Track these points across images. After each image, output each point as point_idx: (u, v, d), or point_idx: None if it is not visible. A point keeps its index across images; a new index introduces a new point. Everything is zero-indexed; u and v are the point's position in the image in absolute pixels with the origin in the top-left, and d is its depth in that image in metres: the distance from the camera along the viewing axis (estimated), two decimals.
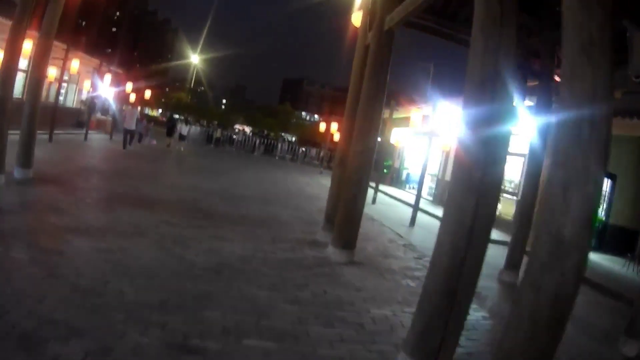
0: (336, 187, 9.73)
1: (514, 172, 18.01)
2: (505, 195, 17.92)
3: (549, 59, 9.80)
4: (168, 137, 28.00)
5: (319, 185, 22.80)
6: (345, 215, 8.46)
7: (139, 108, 31.12)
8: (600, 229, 16.49)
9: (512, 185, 18.06)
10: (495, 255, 12.41)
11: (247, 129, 67.32)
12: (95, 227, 7.38)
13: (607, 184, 16.56)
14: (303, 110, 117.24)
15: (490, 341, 5.76)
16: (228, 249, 7.65)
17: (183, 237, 7.83)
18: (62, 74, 20.17)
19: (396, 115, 25.94)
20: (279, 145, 41.79)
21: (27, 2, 9.27)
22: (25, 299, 4.37)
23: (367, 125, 8.36)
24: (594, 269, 12.57)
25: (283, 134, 71.17)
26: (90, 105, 26.11)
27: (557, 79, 10.29)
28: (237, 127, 69.43)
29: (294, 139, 63.30)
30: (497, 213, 18.04)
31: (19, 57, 9.57)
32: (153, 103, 66.39)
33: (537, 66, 10.40)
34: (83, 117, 25.57)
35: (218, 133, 41.95)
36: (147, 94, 31.54)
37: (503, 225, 16.80)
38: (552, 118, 10.71)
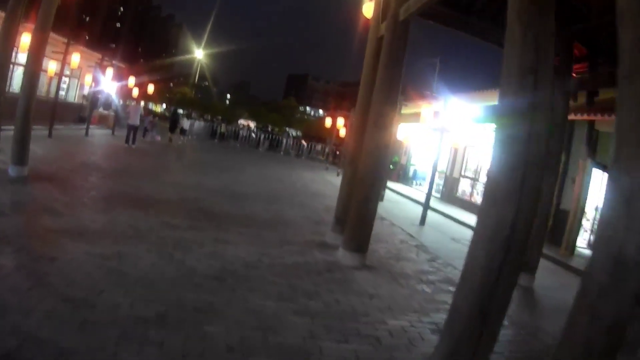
0: (347, 186, 9.25)
1: None
2: None
3: (566, 56, 9.31)
4: (170, 132, 27.69)
5: (325, 182, 22.38)
6: (358, 217, 7.97)
7: (142, 103, 30.78)
8: None
9: None
10: None
11: (252, 124, 67.00)
12: (91, 229, 6.91)
13: None
14: (307, 106, 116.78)
15: (513, 353, 5.33)
16: (232, 253, 7.17)
17: (184, 240, 7.35)
18: (62, 69, 19.65)
19: (404, 110, 25.48)
20: (284, 140, 41.36)
21: None
22: (8, 314, 3.93)
23: (381, 121, 7.87)
24: None
25: (287, 129, 70.88)
26: (92, 100, 25.70)
27: (574, 75, 9.91)
28: (242, 122, 69.07)
29: (298, 133, 63.06)
30: None
31: (11, 50, 9.16)
32: (157, 98, 66.14)
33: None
34: (85, 112, 25.13)
35: (223, 128, 41.74)
36: (151, 88, 31.00)
37: None
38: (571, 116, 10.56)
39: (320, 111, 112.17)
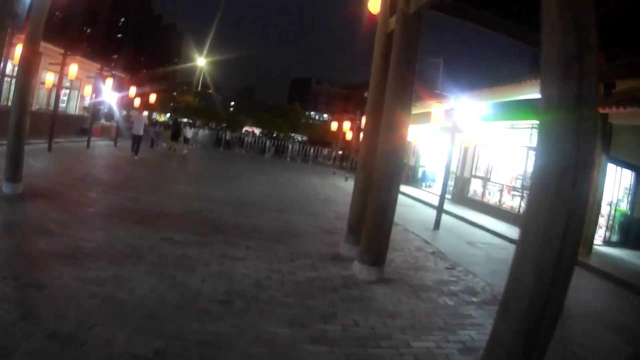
0: (360, 193, 8.69)
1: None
2: (528, 191, 16.96)
3: None
4: (173, 141, 27.43)
5: (334, 187, 21.84)
6: (374, 227, 7.37)
7: (145, 113, 30.49)
8: (625, 223, 15.63)
9: None
10: None
11: (257, 131, 66.79)
12: (86, 250, 6.35)
13: (631, 177, 15.74)
14: (312, 110, 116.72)
15: None
16: (240, 271, 6.61)
17: (187, 258, 6.79)
18: (60, 80, 19.21)
19: (412, 110, 24.99)
20: (290, 146, 40.98)
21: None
22: None
23: (395, 122, 7.29)
24: (619, 265, 11.89)
25: (293, 134, 70.59)
26: (94, 111, 25.28)
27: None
28: (247, 128, 68.82)
29: (304, 138, 62.83)
30: (521, 210, 17.23)
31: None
32: (160, 107, 65.91)
33: None
34: (87, 123, 24.73)
35: (228, 135, 41.60)
36: (153, 98, 30.62)
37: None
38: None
39: (325, 115, 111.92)
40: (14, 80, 17.71)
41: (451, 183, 22.88)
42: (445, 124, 17.43)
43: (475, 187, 21.51)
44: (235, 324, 4.81)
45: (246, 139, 42.13)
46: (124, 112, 31.02)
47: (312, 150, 40.34)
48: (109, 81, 23.47)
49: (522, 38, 9.23)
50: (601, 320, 7.27)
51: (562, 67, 3.36)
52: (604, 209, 14.18)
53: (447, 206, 18.07)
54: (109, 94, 24.38)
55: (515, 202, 18.01)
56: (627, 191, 15.96)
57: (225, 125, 63.27)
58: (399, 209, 15.57)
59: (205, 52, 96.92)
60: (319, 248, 8.84)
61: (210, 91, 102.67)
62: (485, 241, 13.01)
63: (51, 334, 3.93)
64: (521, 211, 16.97)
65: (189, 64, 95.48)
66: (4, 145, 9.33)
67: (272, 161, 34.13)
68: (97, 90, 24.74)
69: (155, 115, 61.75)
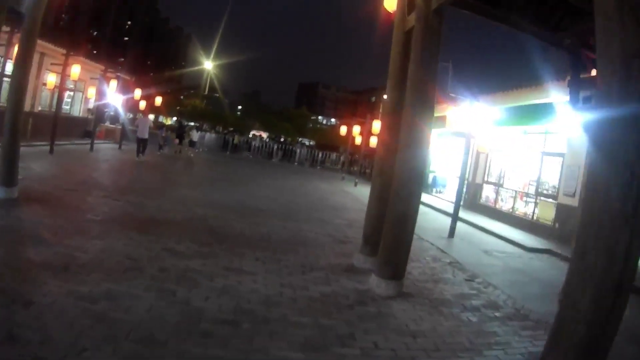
0: (376, 201, 8.15)
1: (551, 173, 16.66)
2: (542, 198, 16.68)
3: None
4: (178, 144, 27.26)
5: (343, 193, 21.33)
6: (393, 239, 6.82)
7: (151, 116, 30.29)
8: None
9: (552, 187, 16.43)
10: (542, 268, 11.02)
11: (264, 135, 66.56)
12: (80, 261, 5.85)
13: None
14: (319, 115, 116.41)
15: None
16: (247, 286, 6.07)
17: (190, 271, 6.25)
18: (62, 81, 18.78)
19: None
20: (298, 150, 40.65)
21: None
22: None
23: (417, 126, 6.75)
24: None
25: (300, 139, 70.36)
26: (98, 113, 24.92)
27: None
28: (254, 132, 68.63)
29: (311, 143, 62.70)
30: (535, 217, 16.78)
31: None
32: (166, 111, 65.68)
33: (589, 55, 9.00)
34: (91, 126, 24.39)
35: (235, 139, 41.50)
36: (158, 101, 30.30)
37: (540, 230, 15.67)
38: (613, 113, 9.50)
39: (332, 120, 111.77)
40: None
41: (463, 189, 22.39)
42: (458, 128, 16.95)
43: (487, 193, 21.00)
44: (242, 348, 4.29)
45: (253, 143, 42.05)
46: (130, 115, 30.71)
47: (320, 154, 40.03)
48: (113, 83, 23.14)
49: (544, 38, 8.82)
50: None
51: (621, 64, 2.87)
52: None
53: (459, 212, 17.58)
54: (113, 96, 24.06)
55: (528, 209, 17.48)
56: None
57: (232, 129, 62.94)
58: None
59: (212, 55, 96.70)
60: (331, 259, 8.32)
61: (217, 95, 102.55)
62: (501, 249, 12.52)
63: None
64: (535, 218, 16.52)
65: (196, 68, 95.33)
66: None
67: (280, 165, 33.77)
68: (101, 92, 24.41)
69: (161, 119, 61.66)
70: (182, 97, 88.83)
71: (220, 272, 6.46)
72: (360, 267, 7.78)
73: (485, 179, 21.26)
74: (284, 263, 7.49)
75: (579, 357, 2.83)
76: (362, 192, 21.39)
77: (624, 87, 2.87)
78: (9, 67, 13.82)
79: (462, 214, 17.70)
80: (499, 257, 11.45)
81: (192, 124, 52.22)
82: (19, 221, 7.37)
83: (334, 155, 40.20)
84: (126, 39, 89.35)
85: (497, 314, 6.56)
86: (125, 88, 26.83)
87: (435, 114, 20.69)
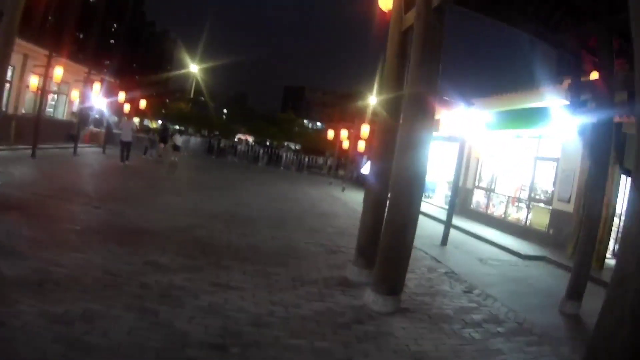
0: (371, 211, 7.73)
1: (544, 178, 16.50)
2: (536, 203, 16.51)
3: (606, 49, 8.02)
4: (163, 148, 26.56)
5: (331, 199, 20.91)
6: (391, 251, 6.41)
7: (136, 119, 29.81)
8: None
9: (546, 192, 16.24)
10: (539, 276, 10.74)
11: (250, 138, 66.15)
12: (56, 277, 5.41)
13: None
14: (305, 118, 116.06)
15: None
16: (235, 304, 5.64)
17: (173, 288, 5.81)
18: (45, 83, 18.25)
19: None
20: (284, 154, 40.30)
21: None
22: None
23: (417, 130, 6.39)
24: None
25: (287, 143, 70.00)
26: (82, 116, 24.39)
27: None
28: (240, 136, 68.14)
29: (297, 147, 62.44)
30: (528, 223, 16.51)
31: None
32: (152, 114, 65.06)
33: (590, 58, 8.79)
34: (74, 129, 23.89)
35: (222, 143, 41.08)
36: (143, 104, 29.82)
37: (533, 236, 15.49)
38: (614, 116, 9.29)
39: (319, 123, 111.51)
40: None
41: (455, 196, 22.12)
42: (450, 132, 16.68)
43: (478, 198, 20.74)
44: None
45: (239, 147, 41.73)
46: (115, 118, 30.22)
47: (306, 159, 39.68)
48: (97, 86, 22.69)
49: (544, 38, 8.63)
50: None
51: None
52: (617, 222, 13.46)
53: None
54: (98, 99, 23.61)
55: (521, 215, 17.22)
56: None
57: (217, 132, 62.43)
58: None
59: (198, 58, 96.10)
60: (323, 271, 7.90)
61: (203, 98, 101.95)
62: (496, 257, 12.29)
63: None
64: (528, 224, 16.27)
65: (182, 71, 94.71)
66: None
67: (266, 170, 33.39)
68: (85, 95, 23.92)
69: (146, 122, 61.03)
70: (167, 100, 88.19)
71: (206, 287, 6.04)
72: (354, 281, 7.39)
73: (476, 184, 21.02)
74: (275, 277, 7.08)
75: None
76: (351, 197, 21.12)
77: None
78: None
79: (453, 219, 17.45)
80: (495, 265, 11.21)
81: (177, 127, 51.65)
82: None
83: (320, 160, 39.81)
84: (112, 41, 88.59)
85: (499, 329, 6.28)
86: (110, 91, 26.41)
87: None
